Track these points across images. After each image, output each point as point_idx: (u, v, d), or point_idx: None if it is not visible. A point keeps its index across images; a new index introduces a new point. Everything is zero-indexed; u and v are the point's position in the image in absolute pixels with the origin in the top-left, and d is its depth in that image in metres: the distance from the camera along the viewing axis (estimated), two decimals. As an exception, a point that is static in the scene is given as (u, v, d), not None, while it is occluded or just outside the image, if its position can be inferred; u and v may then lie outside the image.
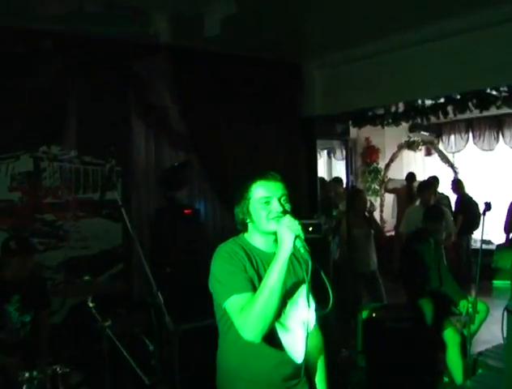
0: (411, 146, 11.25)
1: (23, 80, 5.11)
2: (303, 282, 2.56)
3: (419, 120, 6.32)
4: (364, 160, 11.22)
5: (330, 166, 10.97)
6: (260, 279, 2.49)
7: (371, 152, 11.21)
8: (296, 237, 2.36)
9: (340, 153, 11.55)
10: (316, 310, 2.58)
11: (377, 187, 11.22)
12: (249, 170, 6.00)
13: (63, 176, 5.38)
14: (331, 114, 6.69)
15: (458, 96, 5.76)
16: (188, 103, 5.89)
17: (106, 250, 5.54)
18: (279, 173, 2.57)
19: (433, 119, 10.60)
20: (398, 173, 11.19)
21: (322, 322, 5.80)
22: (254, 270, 2.53)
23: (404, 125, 11.04)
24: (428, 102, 6.12)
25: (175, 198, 5.55)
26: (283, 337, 2.56)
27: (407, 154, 11.65)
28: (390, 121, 6.55)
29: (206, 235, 5.84)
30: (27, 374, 3.44)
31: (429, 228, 5.58)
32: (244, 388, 2.61)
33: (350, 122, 7.03)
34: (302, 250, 2.35)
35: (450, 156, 11.30)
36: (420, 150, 11.48)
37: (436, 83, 5.68)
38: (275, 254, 2.44)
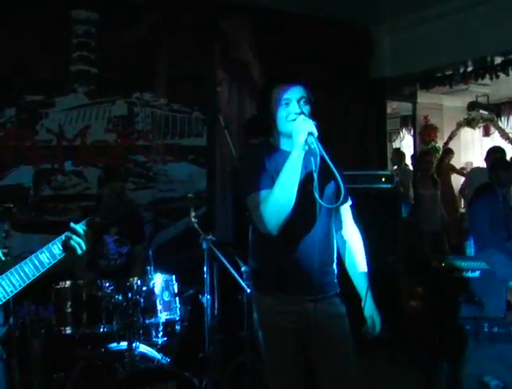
0: (471, 123, 11.29)
1: (120, 32, 5.53)
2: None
3: (488, 77, 6.39)
4: (423, 138, 11.33)
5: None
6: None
7: (429, 131, 11.30)
8: (309, 134, 2.47)
9: (398, 136, 11.75)
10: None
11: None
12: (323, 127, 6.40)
13: (154, 121, 5.74)
14: (400, 75, 6.89)
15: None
16: (267, 60, 6.19)
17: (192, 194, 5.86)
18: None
19: (492, 99, 10.77)
20: (456, 153, 11.27)
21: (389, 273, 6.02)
22: (275, 169, 2.59)
23: (462, 104, 11.19)
24: (498, 60, 6.23)
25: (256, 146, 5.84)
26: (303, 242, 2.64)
27: (465, 134, 11.71)
28: (459, 80, 6.68)
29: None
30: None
31: (500, 176, 5.65)
32: (271, 280, 2.71)
33: (417, 85, 7.22)
34: (314, 146, 2.46)
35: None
36: (480, 128, 11.51)
37: (505, 39, 5.78)
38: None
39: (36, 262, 2.36)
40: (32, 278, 2.37)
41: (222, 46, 6.03)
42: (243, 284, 3.94)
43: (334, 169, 2.43)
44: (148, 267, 3.88)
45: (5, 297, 2.32)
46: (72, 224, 2.43)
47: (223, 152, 5.86)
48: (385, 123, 7.26)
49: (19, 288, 2.35)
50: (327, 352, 2.69)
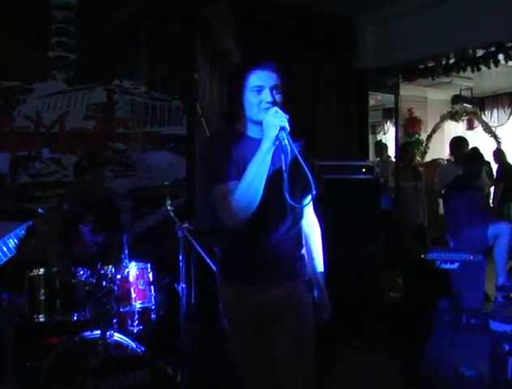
0: (455, 116, 11.36)
1: (100, 19, 5.47)
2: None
3: (469, 70, 6.42)
4: (407, 131, 11.37)
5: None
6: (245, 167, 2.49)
7: (413, 123, 11.34)
8: (281, 129, 2.36)
9: (382, 128, 11.77)
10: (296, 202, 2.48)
11: (419, 159, 11.36)
12: (305, 119, 6.43)
13: (133, 109, 5.70)
14: (383, 67, 6.89)
15: (510, 44, 5.88)
16: (249, 49, 6.15)
17: (170, 183, 5.83)
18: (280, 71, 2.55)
19: (475, 92, 10.82)
20: (439, 146, 11.33)
21: (369, 264, 6.04)
22: (242, 158, 2.52)
23: (446, 97, 11.24)
24: (480, 52, 6.25)
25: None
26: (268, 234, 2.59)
27: (448, 127, 11.76)
28: (441, 72, 6.69)
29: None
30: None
31: (472, 171, 5.72)
32: (234, 269, 2.68)
33: (400, 76, 7.22)
34: (284, 143, 2.36)
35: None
36: (463, 121, 11.57)
37: (487, 31, 5.81)
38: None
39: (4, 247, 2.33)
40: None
41: (202, 34, 5.98)
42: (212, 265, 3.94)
43: (305, 169, 2.34)
44: (123, 255, 3.85)
45: None
46: (39, 210, 2.39)
47: (202, 141, 5.81)
48: (367, 114, 7.26)
49: None
50: (287, 339, 2.67)
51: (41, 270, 3.62)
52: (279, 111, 2.43)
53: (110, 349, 3.48)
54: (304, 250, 2.79)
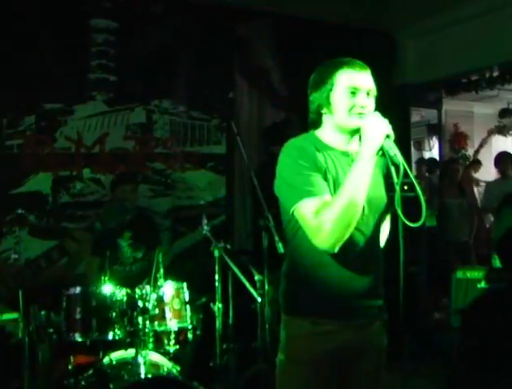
0: (502, 130, 11.07)
1: (139, 40, 5.55)
2: (384, 191, 2.32)
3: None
4: (453, 146, 11.13)
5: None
6: (330, 180, 2.22)
7: (459, 139, 11.09)
8: (386, 137, 2.10)
9: (428, 144, 11.55)
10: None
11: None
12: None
13: (172, 128, 5.74)
14: (424, 82, 6.78)
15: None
16: (288, 67, 6.14)
17: (209, 202, 5.84)
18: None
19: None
20: (487, 161, 11.05)
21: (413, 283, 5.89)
22: (325, 170, 2.23)
23: (493, 111, 10.97)
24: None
25: (276, 153, 5.80)
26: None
27: (496, 143, 11.47)
28: (485, 85, 6.54)
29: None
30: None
31: None
32: (311, 303, 2.30)
33: (443, 91, 7.09)
34: (392, 152, 2.07)
35: (541, 143, 11.06)
36: (512, 135, 11.28)
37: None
38: (356, 153, 2.19)
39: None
40: None
41: (241, 53, 6.02)
42: (255, 293, 3.90)
43: (415, 182, 2.06)
44: (158, 275, 3.84)
45: None
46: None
47: (241, 160, 5.80)
48: (409, 131, 7.13)
49: None
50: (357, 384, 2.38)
51: (78, 289, 3.65)
52: (381, 116, 2.18)
53: (144, 369, 3.47)
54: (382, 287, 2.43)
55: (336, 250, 2.13)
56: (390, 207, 2.30)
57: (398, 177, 2.08)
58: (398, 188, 2.09)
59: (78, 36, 5.35)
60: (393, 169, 2.12)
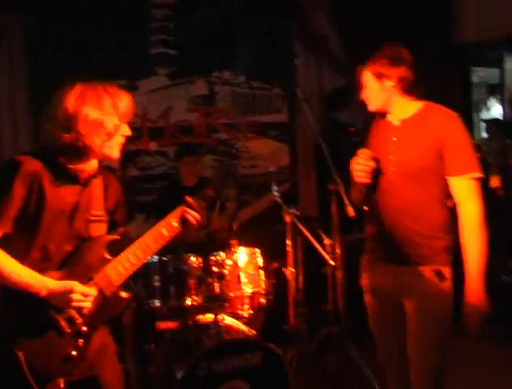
0: None
1: (198, 13, 5.62)
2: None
3: None
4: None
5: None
6: None
7: (520, 99, 10.76)
8: None
9: (485, 106, 11.24)
10: None
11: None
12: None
13: (234, 99, 5.80)
14: (485, 40, 6.58)
15: None
16: (346, 33, 6.09)
17: (273, 171, 5.88)
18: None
19: None
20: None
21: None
22: None
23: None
24: None
25: (338, 118, 5.82)
26: None
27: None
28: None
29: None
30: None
31: None
32: None
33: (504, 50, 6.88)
34: None
35: None
36: None
37: None
38: None
39: (157, 235, 2.39)
40: (155, 251, 2.41)
41: (299, 20, 5.98)
42: (326, 257, 3.94)
43: None
44: (232, 241, 3.92)
45: (128, 271, 2.34)
46: (187, 198, 2.44)
47: (304, 127, 5.83)
48: (470, 91, 6.98)
49: (143, 262, 2.38)
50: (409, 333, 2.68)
51: (155, 257, 3.76)
52: None
53: (223, 332, 3.58)
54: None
55: None
56: None
57: None
58: None
59: (138, 13, 5.47)
60: None
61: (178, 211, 2.42)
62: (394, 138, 2.71)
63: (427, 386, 2.62)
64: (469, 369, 4.24)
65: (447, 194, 2.64)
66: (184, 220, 2.41)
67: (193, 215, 2.41)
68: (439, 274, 2.57)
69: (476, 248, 2.52)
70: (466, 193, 2.58)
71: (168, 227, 2.40)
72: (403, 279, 2.62)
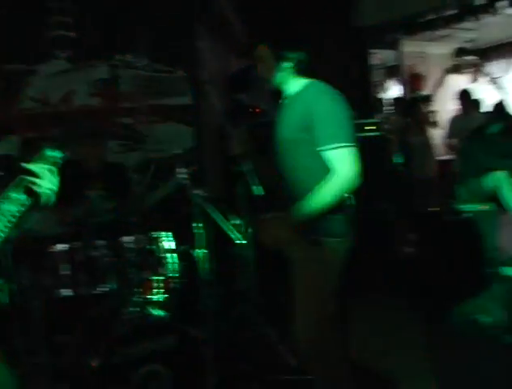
0: (458, 69, 11.20)
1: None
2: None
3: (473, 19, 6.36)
4: (409, 88, 11.20)
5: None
6: None
7: (415, 80, 11.18)
8: None
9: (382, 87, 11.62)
10: None
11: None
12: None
13: (137, 82, 5.71)
14: (382, 23, 6.80)
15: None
16: (248, 16, 6.12)
17: (178, 153, 5.85)
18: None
19: (478, 44, 10.67)
20: (445, 101, 11.19)
21: (382, 220, 5.99)
22: None
23: (447, 52, 11.08)
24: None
25: (242, 100, 5.85)
26: None
27: (452, 82, 11.60)
28: (442, 24, 6.63)
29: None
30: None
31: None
32: None
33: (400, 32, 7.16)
34: None
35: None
36: (467, 74, 11.42)
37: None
38: None
39: None
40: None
41: (202, 4, 5.95)
42: (237, 236, 3.99)
43: None
44: (142, 225, 3.88)
45: None
46: (22, 165, 2.20)
47: (208, 109, 5.82)
48: (369, 72, 7.21)
49: None
50: None
51: (64, 245, 3.65)
52: None
53: (136, 317, 3.54)
54: None
55: None
56: None
57: None
58: None
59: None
60: None
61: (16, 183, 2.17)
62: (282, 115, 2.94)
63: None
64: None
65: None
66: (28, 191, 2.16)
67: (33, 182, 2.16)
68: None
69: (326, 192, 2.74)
70: (336, 162, 2.74)
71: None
72: None
